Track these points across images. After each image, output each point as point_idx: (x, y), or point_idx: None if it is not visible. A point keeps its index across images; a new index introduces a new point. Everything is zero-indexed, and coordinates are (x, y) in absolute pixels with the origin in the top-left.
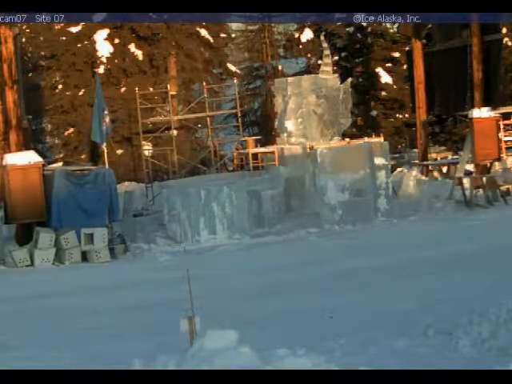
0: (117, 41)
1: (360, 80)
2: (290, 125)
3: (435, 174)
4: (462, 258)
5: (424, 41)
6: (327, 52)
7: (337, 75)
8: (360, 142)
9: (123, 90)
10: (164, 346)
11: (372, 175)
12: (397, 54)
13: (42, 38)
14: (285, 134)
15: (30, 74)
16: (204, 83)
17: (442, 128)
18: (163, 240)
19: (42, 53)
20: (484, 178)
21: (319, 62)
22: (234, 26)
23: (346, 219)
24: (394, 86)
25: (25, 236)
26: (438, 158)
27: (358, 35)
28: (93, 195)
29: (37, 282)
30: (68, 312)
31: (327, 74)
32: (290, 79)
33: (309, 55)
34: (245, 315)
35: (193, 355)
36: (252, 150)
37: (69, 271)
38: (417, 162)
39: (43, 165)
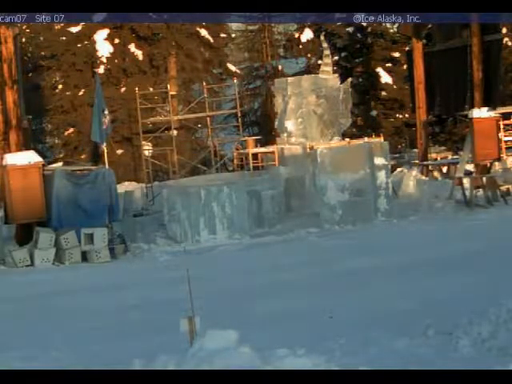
0: (117, 41)
1: (360, 80)
2: (290, 125)
3: (435, 173)
4: (462, 258)
5: (424, 41)
6: (327, 52)
7: (337, 75)
8: (360, 142)
9: (123, 90)
10: (164, 346)
11: (372, 175)
12: (397, 54)
13: (42, 38)
14: (285, 134)
15: (30, 74)
16: (204, 83)
17: (442, 128)
18: (163, 240)
19: (42, 53)
20: (484, 178)
21: (319, 62)
22: (234, 26)
23: (346, 219)
24: (394, 86)
25: (25, 236)
26: (438, 158)
27: (358, 35)
28: (93, 195)
29: (37, 282)
30: (68, 312)
31: (327, 74)
32: (289, 79)
33: (309, 55)
34: (245, 315)
35: (193, 355)
36: (252, 150)
37: (69, 271)
38: (417, 162)
39: (43, 165)
